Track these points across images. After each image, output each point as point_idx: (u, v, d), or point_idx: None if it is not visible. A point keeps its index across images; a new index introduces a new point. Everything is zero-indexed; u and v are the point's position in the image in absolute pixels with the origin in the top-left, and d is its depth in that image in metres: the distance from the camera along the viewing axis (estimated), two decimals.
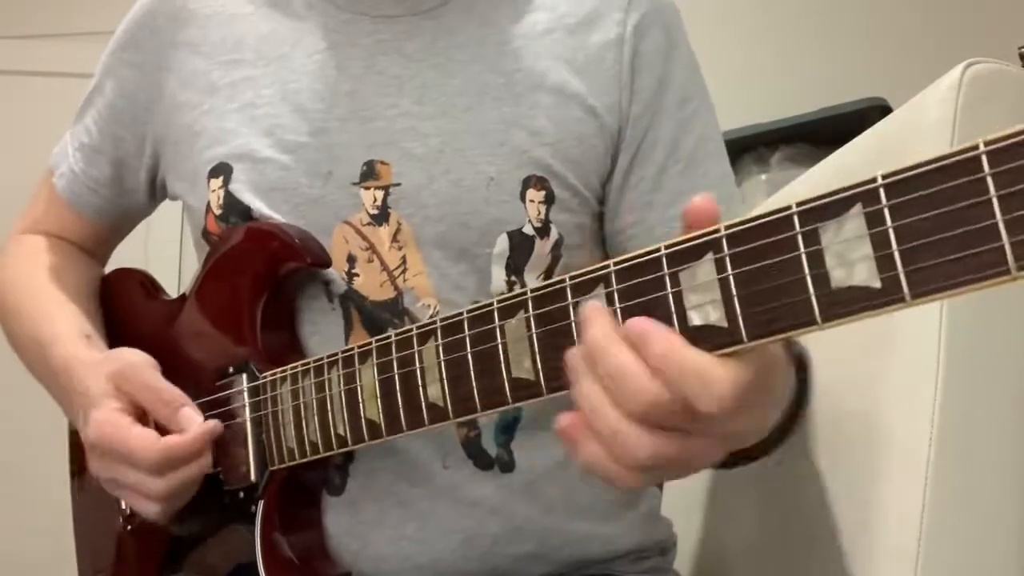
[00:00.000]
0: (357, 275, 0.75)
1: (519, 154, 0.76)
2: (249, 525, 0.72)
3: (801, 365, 0.63)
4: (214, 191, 0.79)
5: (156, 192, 0.92)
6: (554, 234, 0.77)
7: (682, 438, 0.46)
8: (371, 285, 0.75)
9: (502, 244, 0.75)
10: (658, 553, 0.83)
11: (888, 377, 0.72)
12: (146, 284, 0.92)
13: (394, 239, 0.75)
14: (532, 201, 0.76)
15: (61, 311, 0.85)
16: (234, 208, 0.77)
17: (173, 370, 0.80)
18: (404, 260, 0.75)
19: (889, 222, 0.38)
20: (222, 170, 0.78)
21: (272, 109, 0.79)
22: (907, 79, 1.04)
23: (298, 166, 0.76)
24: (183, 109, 0.83)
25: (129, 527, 0.83)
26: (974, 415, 0.67)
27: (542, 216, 0.76)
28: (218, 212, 0.78)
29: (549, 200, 0.76)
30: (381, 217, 0.75)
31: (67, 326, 0.83)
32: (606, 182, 0.80)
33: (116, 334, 0.89)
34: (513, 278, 0.76)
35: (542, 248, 0.76)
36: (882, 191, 0.38)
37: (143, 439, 0.69)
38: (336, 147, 0.76)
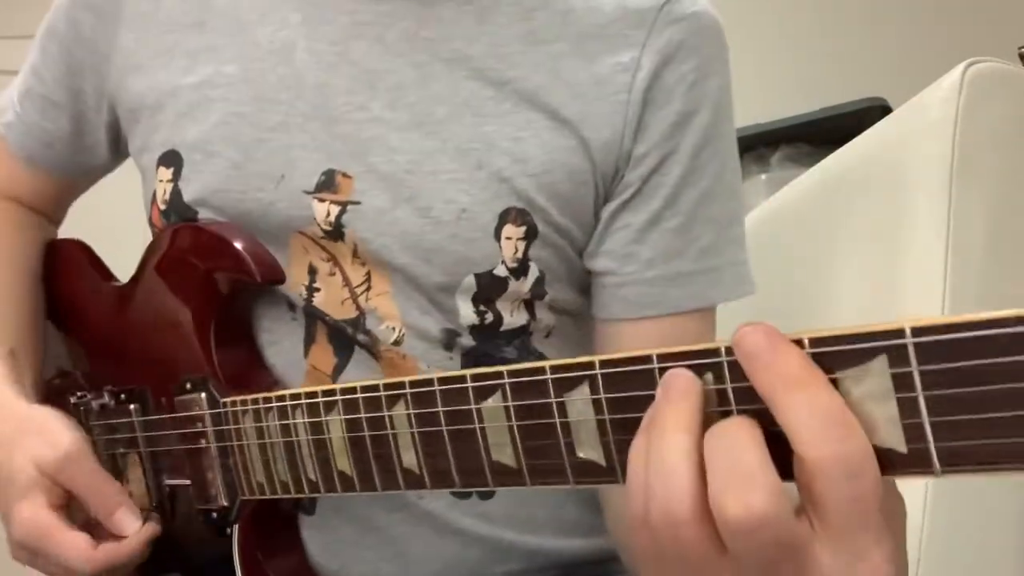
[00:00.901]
0: (318, 290, 0.69)
1: (498, 182, 0.66)
2: (226, 545, 0.69)
3: None
4: (162, 181, 0.72)
5: (120, 148, 0.84)
6: (534, 272, 0.68)
7: None
8: (332, 302, 0.69)
9: (468, 283, 0.67)
10: None
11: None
12: (91, 259, 0.85)
13: (355, 255, 0.68)
14: (509, 238, 0.67)
15: None
16: (177, 209, 0.72)
17: (120, 364, 0.76)
18: (368, 277, 0.68)
19: (920, 388, 0.32)
20: (173, 160, 0.71)
21: (232, 93, 0.70)
22: (907, 79, 1.04)
23: (251, 166, 0.69)
24: (138, 73, 0.75)
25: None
26: None
27: (519, 255, 0.67)
28: (162, 207, 0.72)
29: (530, 235, 0.67)
30: (335, 234, 0.67)
31: None
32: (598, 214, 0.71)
33: (58, 310, 0.85)
34: (483, 307, 0.68)
35: (518, 287, 0.68)
36: (911, 348, 0.32)
37: (76, 548, 0.65)
38: (294, 148, 0.68)
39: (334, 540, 0.70)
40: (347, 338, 0.69)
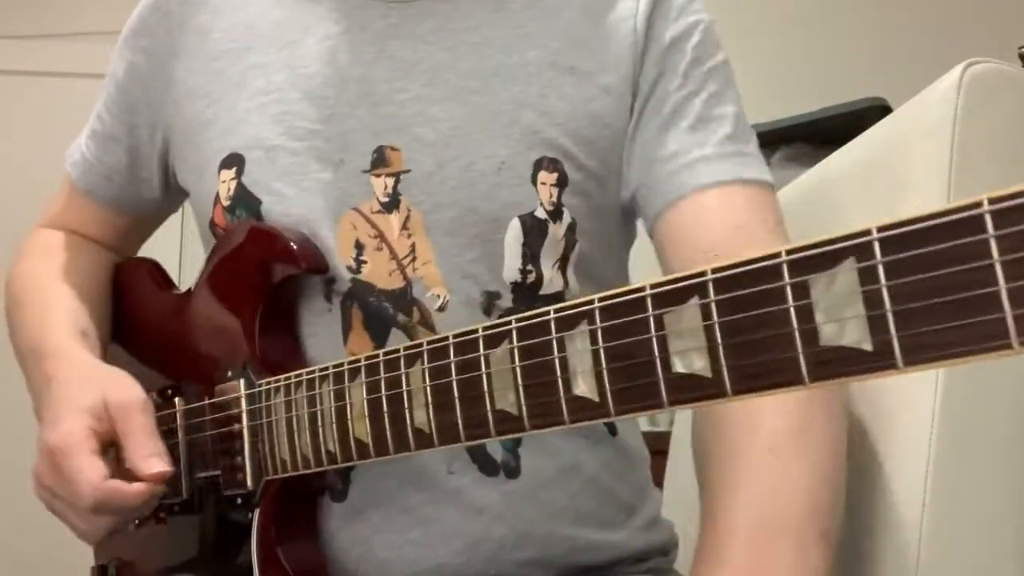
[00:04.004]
0: (365, 262, 0.74)
1: (530, 135, 0.75)
2: (246, 532, 0.72)
3: None
4: (224, 182, 0.78)
5: (171, 184, 0.90)
6: (567, 218, 0.76)
7: None
8: (379, 273, 0.74)
9: (515, 228, 0.74)
10: (660, 554, 0.83)
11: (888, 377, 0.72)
12: (155, 274, 0.91)
13: (404, 227, 0.74)
14: (544, 184, 0.75)
15: (61, 309, 0.84)
16: (243, 200, 0.77)
17: (175, 366, 0.80)
18: (413, 248, 0.74)
19: (883, 280, 0.35)
20: (235, 161, 0.78)
21: (282, 95, 0.78)
22: (907, 79, 1.04)
23: (309, 152, 0.76)
24: (193, 97, 0.83)
25: (130, 525, 0.83)
26: (974, 414, 0.67)
27: (554, 199, 0.75)
28: (226, 203, 0.78)
29: (562, 183, 0.75)
30: (391, 204, 0.74)
31: (64, 329, 0.81)
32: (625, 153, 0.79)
33: (123, 324, 0.89)
34: (529, 266, 0.75)
35: (556, 232, 0.75)
36: (876, 245, 0.36)
37: (91, 470, 0.67)
38: (347, 134, 0.76)
39: (362, 527, 0.73)
40: (384, 321, 0.73)
